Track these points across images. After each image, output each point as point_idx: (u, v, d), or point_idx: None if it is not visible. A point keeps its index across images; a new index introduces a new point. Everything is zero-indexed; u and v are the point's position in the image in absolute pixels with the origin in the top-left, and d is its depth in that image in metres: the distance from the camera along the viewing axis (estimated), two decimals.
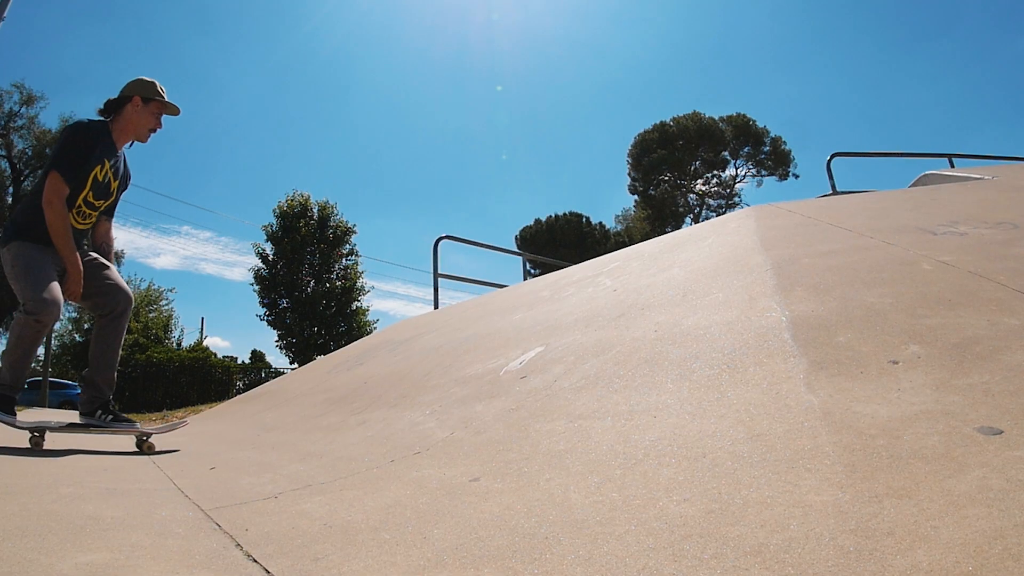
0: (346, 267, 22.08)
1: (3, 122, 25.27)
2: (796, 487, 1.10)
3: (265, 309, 21.30)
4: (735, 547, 0.97)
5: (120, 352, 3.05)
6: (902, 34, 63.86)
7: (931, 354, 1.52)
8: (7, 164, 25.61)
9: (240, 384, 20.24)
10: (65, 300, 2.86)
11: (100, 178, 2.93)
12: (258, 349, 34.52)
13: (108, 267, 3.10)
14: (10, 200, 25.35)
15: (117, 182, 3.07)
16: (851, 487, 1.06)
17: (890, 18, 62.38)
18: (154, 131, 3.02)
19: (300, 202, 21.78)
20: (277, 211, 21.67)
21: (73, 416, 3.81)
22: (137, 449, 3.01)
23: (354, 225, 22.30)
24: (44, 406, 21.09)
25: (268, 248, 21.55)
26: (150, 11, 69.86)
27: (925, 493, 1.00)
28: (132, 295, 3.13)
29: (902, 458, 1.11)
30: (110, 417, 3.03)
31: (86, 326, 32.56)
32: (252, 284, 21.30)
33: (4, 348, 3.05)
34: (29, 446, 2.84)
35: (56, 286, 2.79)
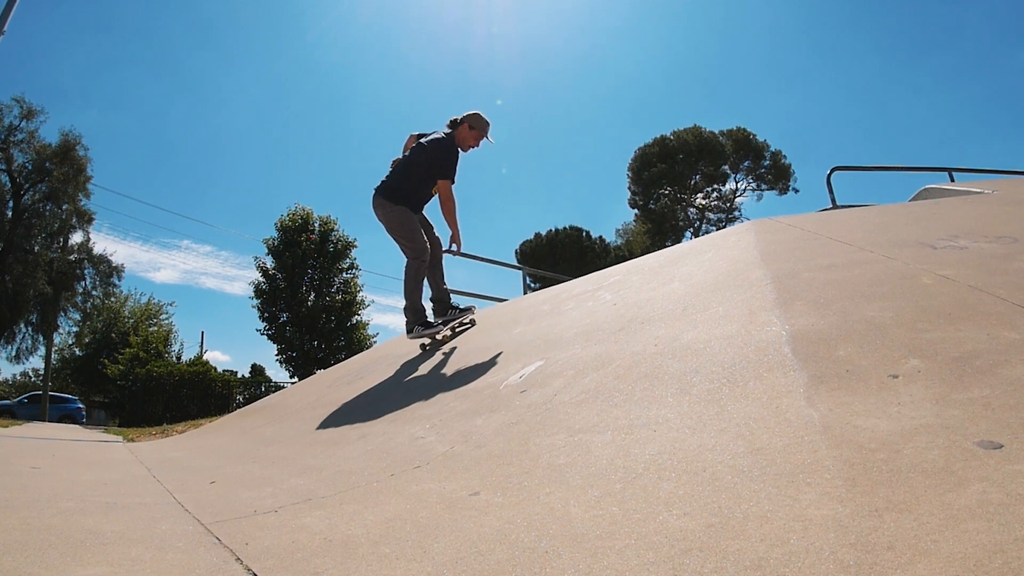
0: (346, 280, 22.11)
1: (3, 136, 25.39)
2: (796, 501, 1.10)
3: (265, 323, 21.27)
4: (735, 561, 0.96)
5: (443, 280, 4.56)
6: (903, 47, 64.58)
7: (931, 368, 1.52)
8: (7, 178, 25.71)
9: (240, 398, 20.17)
10: (457, 253, 4.39)
11: None
12: (258, 363, 34.51)
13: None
14: (10, 214, 25.42)
15: None
16: (851, 501, 1.06)
17: (891, 31, 63.14)
18: (472, 148, 4.40)
19: (302, 216, 21.85)
20: (279, 225, 21.73)
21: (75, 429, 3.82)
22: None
23: (354, 239, 22.36)
24: (44, 420, 21.02)
25: (269, 262, 21.58)
26: (151, 24, 70.68)
27: (925, 507, 1.00)
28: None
29: (902, 472, 1.11)
30: (455, 311, 4.53)
31: (86, 340, 32.58)
32: (252, 298, 21.28)
33: (405, 293, 4.32)
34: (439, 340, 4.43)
35: (425, 238, 4.25)
